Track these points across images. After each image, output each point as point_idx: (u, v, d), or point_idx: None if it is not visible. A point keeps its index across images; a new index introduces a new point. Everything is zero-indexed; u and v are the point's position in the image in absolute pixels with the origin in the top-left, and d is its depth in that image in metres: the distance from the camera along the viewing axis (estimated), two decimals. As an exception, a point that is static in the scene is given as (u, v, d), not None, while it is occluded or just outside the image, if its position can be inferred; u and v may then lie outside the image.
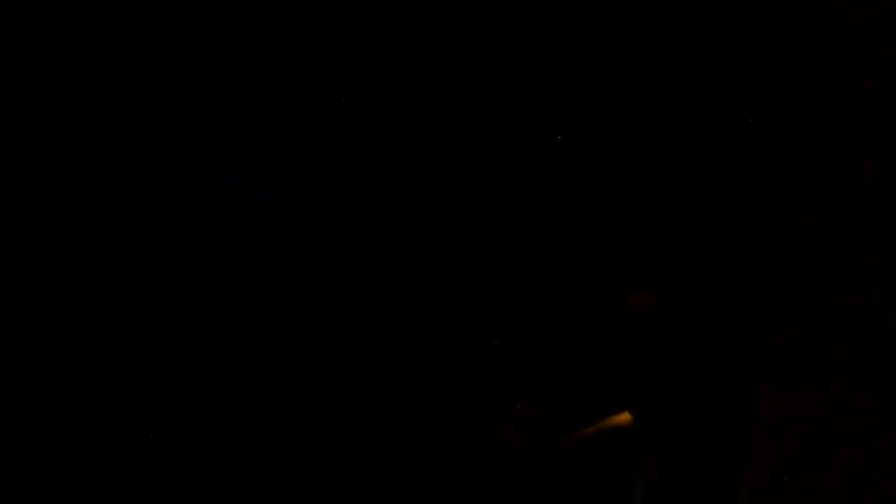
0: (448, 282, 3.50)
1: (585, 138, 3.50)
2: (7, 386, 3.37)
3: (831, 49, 3.40)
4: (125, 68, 3.48)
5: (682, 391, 3.35)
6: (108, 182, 3.46)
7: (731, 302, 3.40)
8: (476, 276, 3.50)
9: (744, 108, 3.44)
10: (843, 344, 3.35)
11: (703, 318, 3.40)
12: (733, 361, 3.38)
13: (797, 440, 3.34)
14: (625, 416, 3.32)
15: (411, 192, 3.52)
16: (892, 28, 3.37)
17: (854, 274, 3.36)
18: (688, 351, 3.39)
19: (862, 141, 3.38)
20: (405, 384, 3.47)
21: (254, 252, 3.50)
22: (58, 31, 3.46)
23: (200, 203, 3.49)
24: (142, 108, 3.49)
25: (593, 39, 3.50)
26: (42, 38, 3.45)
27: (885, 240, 3.35)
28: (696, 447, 3.25)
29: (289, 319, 3.48)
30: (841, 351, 3.35)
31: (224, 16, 3.49)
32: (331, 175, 3.52)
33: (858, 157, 3.38)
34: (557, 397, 3.37)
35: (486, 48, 3.51)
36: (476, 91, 3.52)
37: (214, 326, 3.46)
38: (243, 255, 3.50)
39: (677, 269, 3.44)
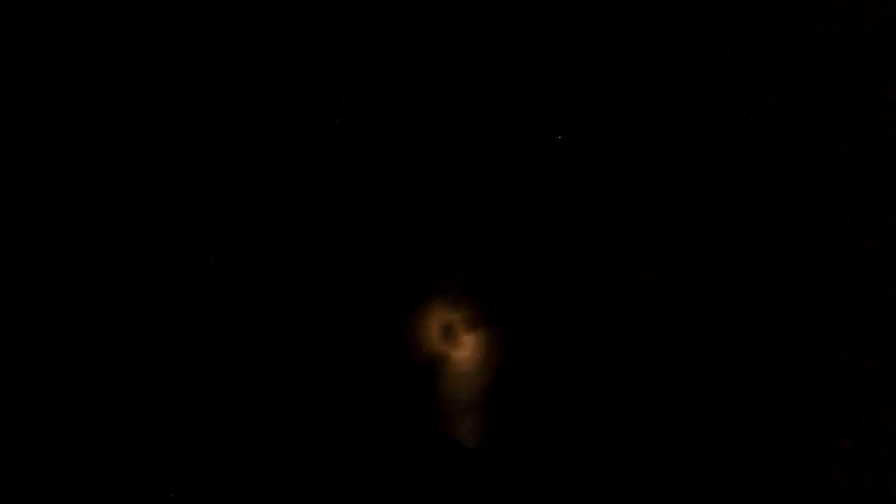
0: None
1: (585, 137, 3.50)
2: (7, 386, 3.37)
3: (831, 49, 3.41)
4: (125, 68, 3.48)
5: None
6: (107, 181, 3.47)
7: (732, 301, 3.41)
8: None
9: (744, 108, 3.45)
10: (843, 343, 3.35)
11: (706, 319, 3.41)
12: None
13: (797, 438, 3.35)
14: None
15: (410, 192, 3.52)
16: (893, 28, 3.37)
17: (854, 274, 3.37)
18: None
19: (862, 141, 3.39)
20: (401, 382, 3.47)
21: (252, 251, 3.50)
22: (57, 30, 3.46)
23: (199, 203, 3.49)
24: (142, 108, 3.49)
25: (593, 40, 3.50)
26: (42, 38, 3.45)
27: (885, 239, 3.35)
28: None
29: (287, 318, 3.48)
30: (841, 350, 3.35)
31: (224, 15, 3.50)
32: (330, 174, 3.52)
33: (858, 157, 3.39)
34: None
35: (483, 48, 3.51)
36: (475, 90, 3.52)
37: (214, 326, 3.46)
38: (242, 255, 3.50)
39: (681, 275, 3.45)
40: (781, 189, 3.41)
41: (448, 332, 3.44)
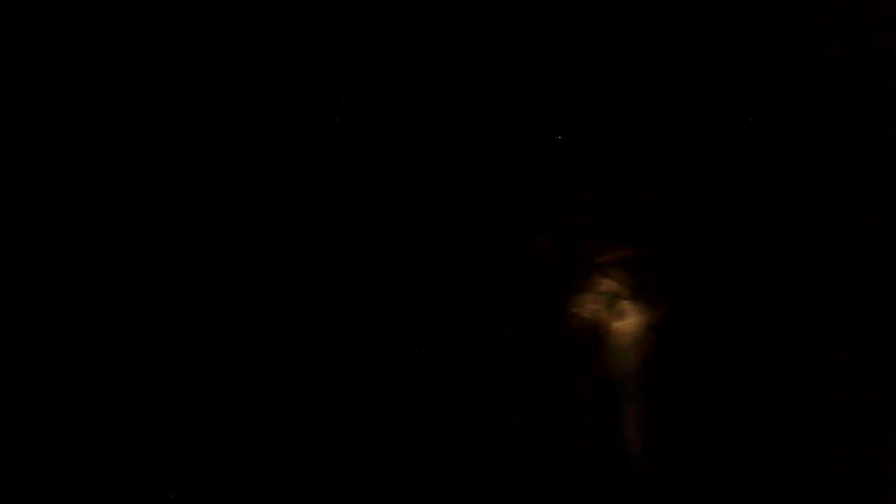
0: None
1: (586, 137, 3.50)
2: (7, 386, 3.37)
3: (831, 49, 3.41)
4: (125, 68, 3.48)
5: None
6: (107, 181, 3.47)
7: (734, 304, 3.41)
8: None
9: (744, 108, 3.45)
10: (843, 343, 3.35)
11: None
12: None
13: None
14: None
15: (410, 192, 3.52)
16: (893, 28, 3.37)
17: (854, 274, 3.37)
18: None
19: (862, 141, 3.39)
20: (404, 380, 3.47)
21: (253, 251, 3.50)
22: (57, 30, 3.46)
23: (199, 203, 3.49)
24: (142, 108, 3.49)
25: (593, 39, 3.50)
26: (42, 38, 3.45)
27: (885, 239, 3.35)
28: None
29: (286, 318, 3.48)
30: (841, 350, 3.35)
31: (224, 15, 3.50)
32: (330, 174, 3.52)
33: (858, 157, 3.39)
34: None
35: (483, 48, 3.51)
36: (475, 90, 3.52)
37: (214, 326, 3.46)
38: (242, 255, 3.50)
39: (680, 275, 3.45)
40: (781, 189, 3.41)
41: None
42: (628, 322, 3.39)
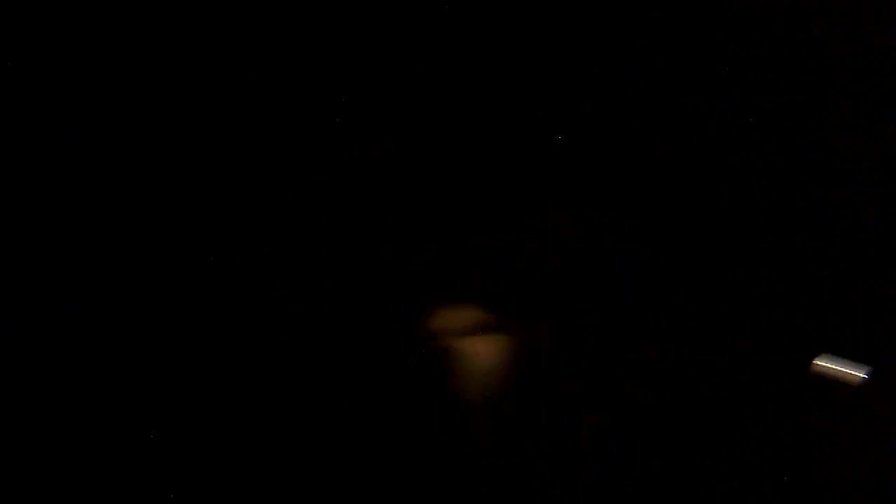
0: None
1: (586, 138, 3.50)
2: (7, 386, 3.37)
3: (831, 49, 3.41)
4: (125, 68, 3.48)
5: None
6: (107, 181, 3.47)
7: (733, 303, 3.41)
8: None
9: (744, 108, 3.45)
10: (842, 343, 3.35)
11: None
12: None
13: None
14: None
15: (410, 192, 3.52)
16: (893, 28, 3.37)
17: (854, 274, 3.36)
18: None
19: (862, 141, 3.38)
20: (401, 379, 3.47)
21: (253, 251, 3.50)
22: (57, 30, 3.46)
23: (199, 203, 3.49)
24: (141, 108, 3.49)
25: (593, 39, 3.50)
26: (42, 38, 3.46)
27: (885, 239, 3.35)
28: None
29: (287, 318, 3.49)
30: (841, 350, 3.35)
31: (224, 14, 3.50)
32: (330, 174, 3.52)
33: (859, 157, 3.39)
34: None
35: (483, 48, 3.51)
36: (475, 90, 3.52)
37: (214, 326, 3.47)
38: (243, 255, 3.50)
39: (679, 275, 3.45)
40: (781, 189, 3.41)
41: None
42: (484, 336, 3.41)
